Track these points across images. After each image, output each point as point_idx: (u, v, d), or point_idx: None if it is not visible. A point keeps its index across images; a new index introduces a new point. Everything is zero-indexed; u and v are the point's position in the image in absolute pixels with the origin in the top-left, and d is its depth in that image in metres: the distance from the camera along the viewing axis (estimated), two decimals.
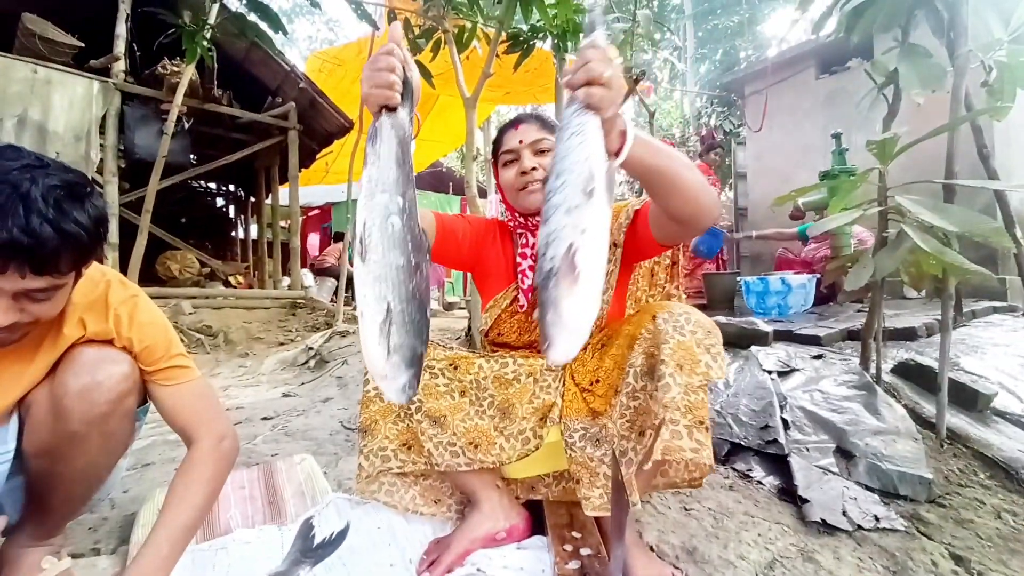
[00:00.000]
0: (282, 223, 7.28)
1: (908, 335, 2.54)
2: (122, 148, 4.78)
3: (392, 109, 0.74)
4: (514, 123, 1.19)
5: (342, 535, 1.13)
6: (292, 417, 2.24)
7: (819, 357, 2.11)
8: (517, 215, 1.21)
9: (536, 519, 1.19)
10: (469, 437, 1.10)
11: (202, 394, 1.02)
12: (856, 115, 2.05)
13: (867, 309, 1.95)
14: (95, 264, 0.92)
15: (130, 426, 0.99)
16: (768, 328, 2.49)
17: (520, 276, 1.21)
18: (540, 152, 1.15)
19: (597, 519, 1.12)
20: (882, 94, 1.87)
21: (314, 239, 12.11)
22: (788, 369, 1.98)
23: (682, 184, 0.85)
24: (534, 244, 1.16)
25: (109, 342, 0.93)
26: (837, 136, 3.55)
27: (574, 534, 1.07)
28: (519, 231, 1.24)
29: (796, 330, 2.66)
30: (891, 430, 1.55)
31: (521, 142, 1.15)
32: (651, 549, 1.13)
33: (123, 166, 4.82)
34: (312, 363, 3.46)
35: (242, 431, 2.02)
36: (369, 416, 1.13)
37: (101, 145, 4.52)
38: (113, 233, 4.12)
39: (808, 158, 5.62)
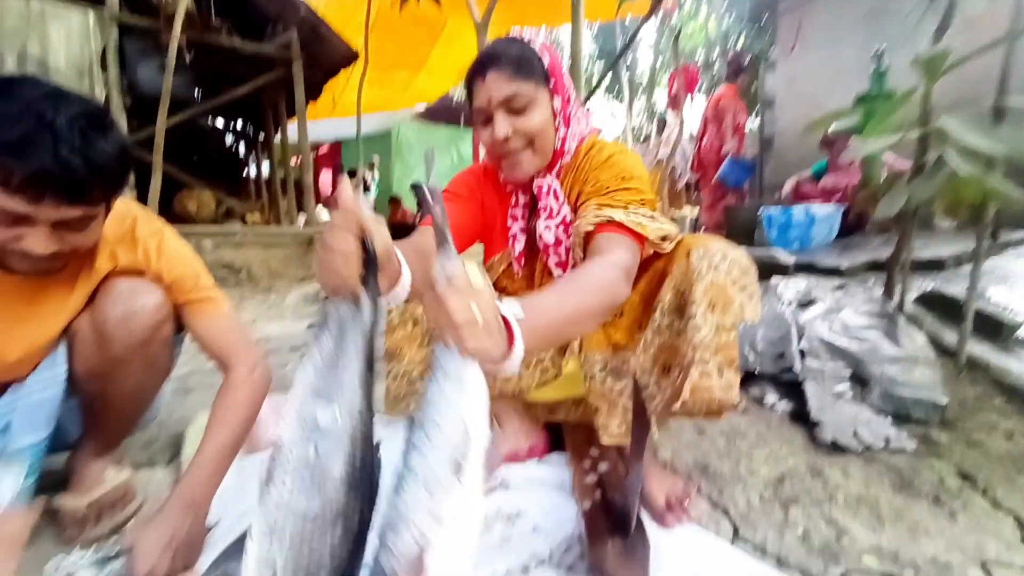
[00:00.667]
0: (294, 161, 7.19)
1: (935, 266, 2.48)
2: (125, 84, 4.66)
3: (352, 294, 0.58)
4: (480, 70, 0.93)
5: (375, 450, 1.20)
6: None
7: (841, 288, 2.08)
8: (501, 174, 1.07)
9: (555, 440, 1.25)
10: None
11: (233, 324, 1.06)
12: (899, 34, 1.88)
13: (894, 240, 1.90)
14: (121, 200, 0.94)
15: (169, 352, 1.05)
16: (789, 260, 2.46)
17: (511, 242, 1.10)
18: (516, 112, 0.93)
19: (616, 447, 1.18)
20: (933, 5, 1.70)
21: (326, 177, 11.98)
22: (808, 300, 1.97)
23: (587, 324, 0.82)
24: (525, 203, 1.08)
25: (140, 274, 0.96)
26: (879, 55, 3.28)
27: (592, 451, 1.13)
28: (508, 187, 1.10)
29: (818, 262, 2.62)
30: (909, 358, 1.55)
31: (490, 101, 0.93)
32: (664, 466, 1.19)
33: (128, 103, 4.72)
34: None
35: (272, 360, 2.11)
36: (394, 342, 1.16)
37: (104, 81, 4.41)
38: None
39: (844, 82, 5.21)
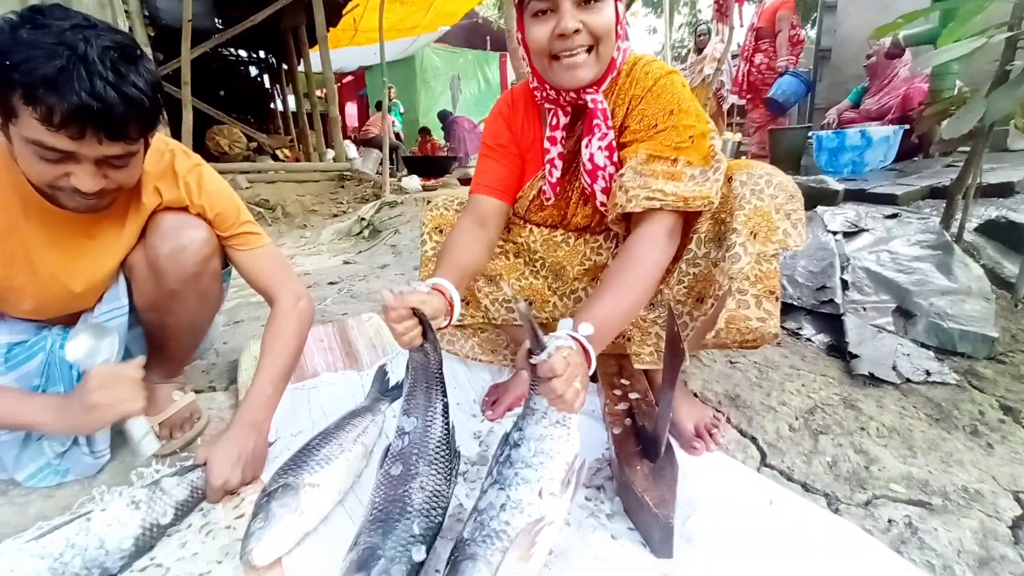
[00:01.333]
0: (318, 94, 7.04)
1: (1003, 191, 2.29)
2: (146, 15, 4.56)
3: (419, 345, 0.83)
4: None
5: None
6: (355, 282, 2.41)
7: (894, 216, 1.96)
8: (547, 87, 0.96)
9: None
10: (524, 296, 1.16)
11: (275, 258, 1.10)
12: None
13: (958, 164, 1.74)
14: (158, 135, 0.95)
15: (219, 285, 1.10)
16: (839, 187, 2.31)
17: (548, 167, 1.03)
18: (585, 4, 0.84)
19: (645, 370, 1.20)
20: None
21: (352, 109, 11.73)
22: (856, 230, 1.87)
23: (644, 304, 0.91)
24: (564, 125, 1.00)
25: (184, 209, 0.99)
26: None
27: (623, 381, 1.15)
28: (547, 106, 1.00)
29: (870, 188, 2.46)
30: (961, 290, 1.48)
31: None
32: (695, 395, 1.21)
33: (152, 34, 4.64)
34: (366, 233, 3.60)
35: (313, 294, 2.20)
36: (428, 274, 1.17)
37: (126, 11, 4.33)
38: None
39: None
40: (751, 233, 0.86)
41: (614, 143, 0.95)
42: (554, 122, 1.00)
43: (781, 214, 0.87)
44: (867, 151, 3.13)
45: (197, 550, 0.79)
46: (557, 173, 1.03)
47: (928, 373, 1.26)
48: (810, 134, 3.39)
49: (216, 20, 5.63)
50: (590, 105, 0.94)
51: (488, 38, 11.43)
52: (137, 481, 0.89)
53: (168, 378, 1.17)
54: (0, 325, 0.96)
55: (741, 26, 4.89)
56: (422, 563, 0.69)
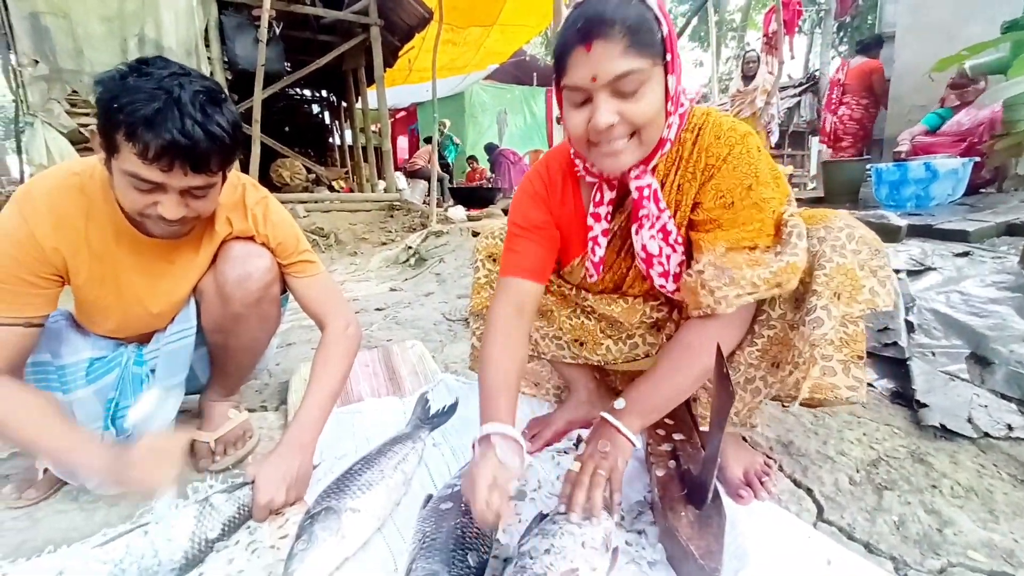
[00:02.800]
0: (373, 128, 7.45)
1: None
2: (225, 60, 5.03)
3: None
4: (584, 39, 0.72)
5: (453, 407, 1.28)
6: (400, 309, 2.48)
7: (965, 255, 1.84)
8: (586, 163, 0.89)
9: None
10: (575, 334, 1.12)
11: (328, 286, 1.17)
12: None
13: None
14: (232, 170, 1.04)
15: (278, 310, 1.17)
16: (901, 222, 2.19)
17: (591, 246, 0.94)
18: (624, 94, 0.74)
19: (690, 412, 1.15)
20: None
21: (403, 142, 12.32)
22: (921, 268, 1.76)
23: (690, 389, 0.90)
24: (610, 201, 0.91)
25: (250, 238, 1.07)
26: None
27: (667, 420, 1.11)
28: (589, 179, 0.92)
29: (937, 224, 2.32)
30: None
31: (595, 79, 0.73)
32: (743, 440, 1.15)
33: (229, 78, 5.10)
34: (412, 261, 3.71)
35: (360, 319, 2.28)
36: (480, 302, 1.19)
37: (208, 58, 4.79)
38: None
39: (983, 7, 4.40)
40: (834, 294, 0.79)
41: (670, 226, 0.87)
42: (597, 198, 0.91)
43: (866, 271, 0.80)
44: (932, 184, 2.96)
45: (243, 568, 0.81)
46: (600, 252, 0.94)
47: (1011, 428, 1.15)
48: (868, 167, 3.25)
49: (285, 64, 6.12)
50: (634, 193, 0.86)
51: (535, 74, 11.80)
52: (191, 495, 0.93)
53: (226, 396, 1.24)
54: (84, 341, 1.06)
55: (792, 58, 5.02)
56: None
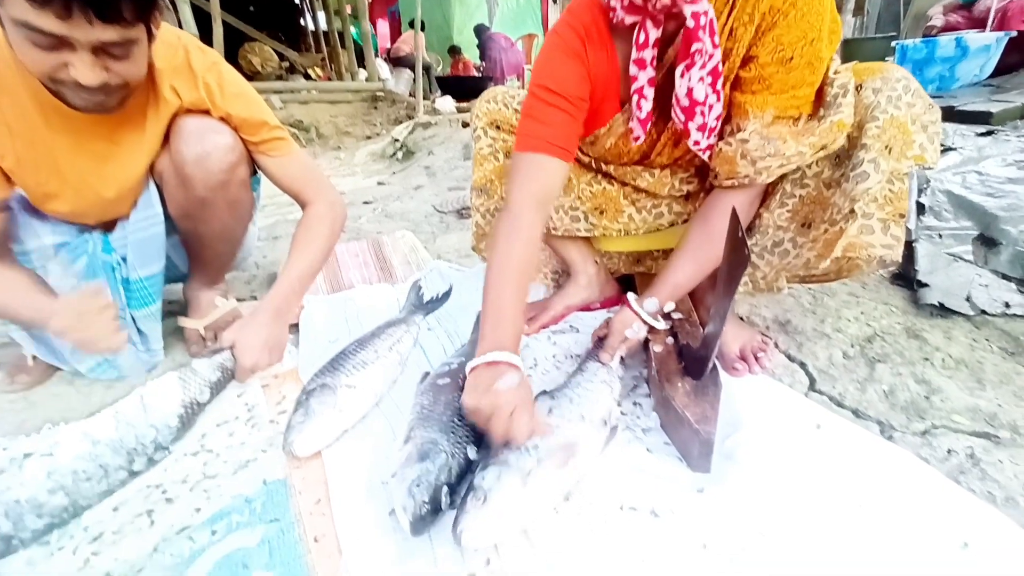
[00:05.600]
0: (348, 10, 6.68)
1: None
2: None
3: None
4: None
5: (447, 294, 1.26)
6: (389, 202, 2.38)
7: (988, 134, 1.73)
8: None
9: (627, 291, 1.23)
10: (595, 202, 1.04)
11: (306, 163, 1.07)
12: None
13: None
14: (168, 27, 0.88)
15: (248, 193, 1.08)
16: None
17: (636, 98, 0.81)
18: None
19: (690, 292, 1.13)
20: None
21: (384, 28, 11.16)
22: (941, 148, 1.66)
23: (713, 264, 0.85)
24: (656, 41, 0.77)
25: (205, 111, 0.94)
26: None
27: None
28: (631, 18, 0.78)
29: (960, 105, 2.17)
30: None
31: None
32: (741, 320, 1.14)
33: None
34: (400, 154, 3.52)
35: (347, 212, 2.20)
36: (484, 175, 1.08)
37: None
38: (189, 22, 4.01)
39: None
40: (885, 147, 0.74)
41: (720, 68, 0.75)
42: (642, 39, 0.77)
43: (918, 125, 0.75)
44: (960, 63, 2.73)
45: (244, 440, 0.83)
46: (647, 106, 0.81)
47: (1007, 305, 1.15)
48: (894, 43, 2.98)
49: None
50: (689, 22, 0.72)
51: None
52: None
53: (210, 285, 1.20)
54: (43, 226, 0.98)
55: None
56: (472, 462, 0.69)
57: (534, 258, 0.86)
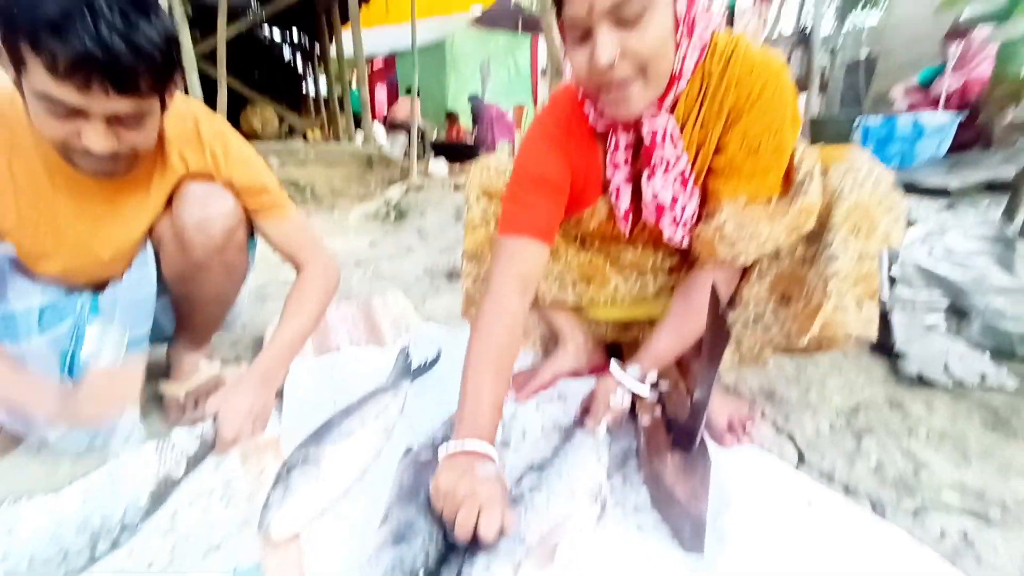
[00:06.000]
0: (350, 75, 7.07)
1: None
2: None
3: None
4: None
5: (435, 359, 1.25)
6: (381, 263, 2.41)
7: (948, 209, 1.84)
8: (597, 106, 0.82)
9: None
10: (583, 271, 1.07)
11: (303, 227, 1.10)
12: None
13: (1021, 154, 1.61)
14: (179, 96, 0.93)
15: (244, 257, 1.10)
16: None
17: (614, 196, 0.88)
18: (625, 23, 0.66)
19: (677, 362, 1.14)
20: None
21: (381, 94, 11.76)
22: (906, 222, 1.75)
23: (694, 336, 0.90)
24: (628, 143, 0.83)
25: (210, 178, 0.98)
26: None
27: None
28: (600, 126, 0.85)
29: (921, 180, 2.32)
30: (1023, 289, 1.37)
31: (591, 8, 0.65)
32: (727, 389, 1.15)
33: (190, 13, 4.71)
34: (392, 216, 3.60)
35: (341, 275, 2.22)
36: (475, 242, 1.11)
37: None
38: (195, 86, 4.19)
39: None
40: (853, 229, 0.78)
41: (690, 170, 0.81)
42: (614, 144, 0.84)
43: (883, 208, 0.79)
44: (919, 141, 2.95)
45: (217, 518, 0.78)
46: (625, 202, 0.87)
47: (983, 377, 1.18)
48: (857, 121, 3.22)
49: (252, 0, 5.68)
50: (646, 139, 0.80)
51: (520, 21, 11.25)
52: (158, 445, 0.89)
53: (195, 348, 1.18)
54: (33, 287, 0.97)
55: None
56: (453, 546, 0.66)
57: (516, 341, 0.87)
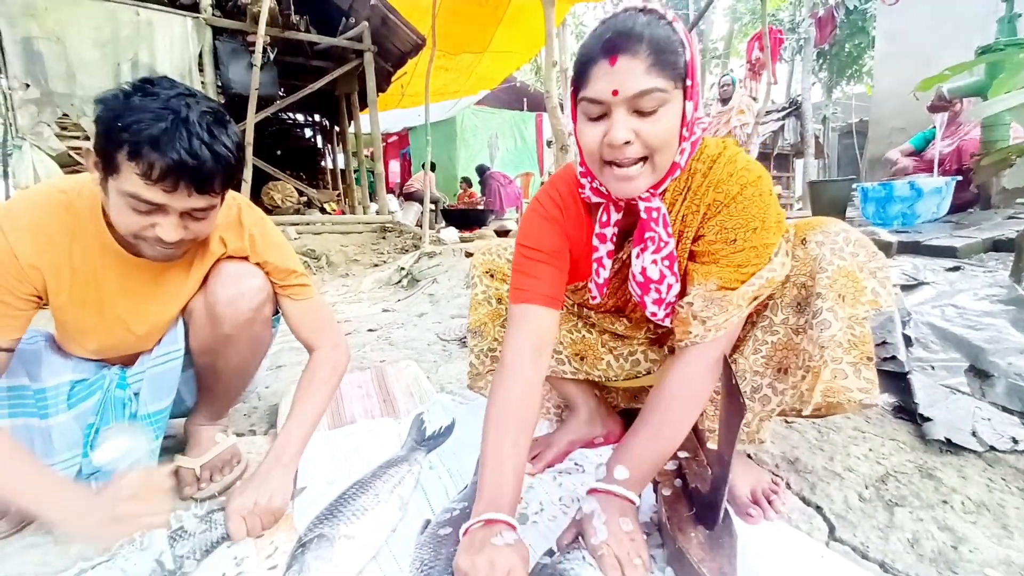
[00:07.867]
0: (365, 152, 7.53)
1: None
2: (219, 84, 5.08)
3: None
4: (609, 52, 0.71)
5: (450, 429, 1.24)
6: (393, 329, 2.44)
7: (956, 269, 1.85)
8: (593, 182, 0.86)
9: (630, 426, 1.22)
10: (575, 348, 1.11)
11: (321, 310, 1.15)
12: None
13: (1020, 216, 1.65)
14: None
15: (269, 332, 1.14)
16: (892, 238, 2.22)
17: (595, 266, 0.92)
18: (641, 113, 0.72)
19: (693, 429, 1.12)
20: None
21: (395, 166, 12.42)
22: (914, 283, 1.77)
23: (685, 435, 0.87)
24: (616, 222, 0.88)
25: (244, 258, 1.05)
26: None
27: None
28: (596, 199, 0.88)
29: (926, 240, 2.35)
30: None
31: (616, 93, 0.71)
32: (748, 457, 1.12)
33: (222, 103, 5.13)
34: (405, 282, 3.69)
35: (351, 341, 2.24)
36: (478, 318, 1.16)
37: (202, 83, 4.83)
38: None
39: (959, 35, 4.60)
40: (839, 296, 0.80)
41: (675, 253, 0.85)
42: (604, 218, 0.88)
43: (866, 272, 0.81)
44: (918, 202, 3.02)
45: None
46: (605, 274, 0.91)
47: (1015, 441, 1.14)
48: (854, 186, 3.31)
49: (279, 88, 6.19)
50: (643, 215, 0.83)
51: (525, 99, 12.04)
52: (175, 523, 0.88)
53: (213, 420, 1.19)
54: (65, 363, 1.01)
55: (775, 83, 4.94)
56: None
57: (533, 408, 0.87)
